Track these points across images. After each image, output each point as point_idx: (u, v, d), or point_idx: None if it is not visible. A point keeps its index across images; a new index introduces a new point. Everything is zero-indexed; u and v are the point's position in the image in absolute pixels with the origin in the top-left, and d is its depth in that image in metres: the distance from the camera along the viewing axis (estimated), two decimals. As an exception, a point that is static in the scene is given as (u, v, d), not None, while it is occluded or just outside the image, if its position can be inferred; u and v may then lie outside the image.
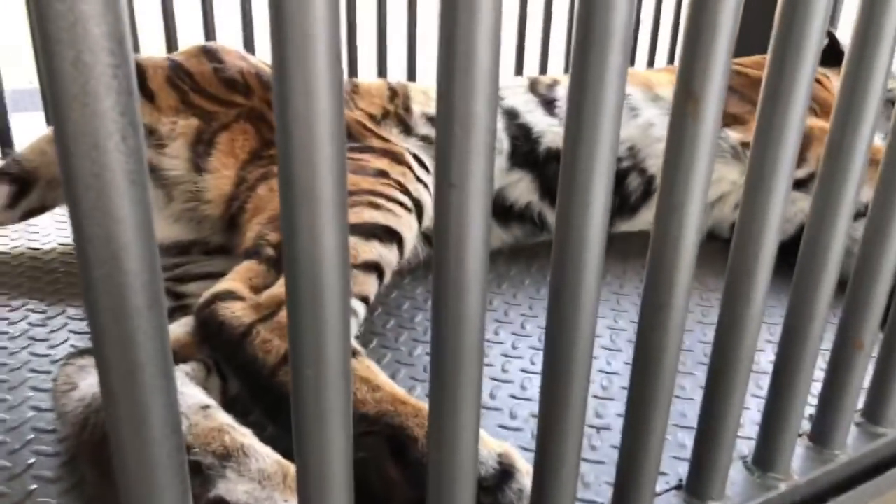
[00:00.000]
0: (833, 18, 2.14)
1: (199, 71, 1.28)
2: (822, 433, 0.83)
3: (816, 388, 0.82)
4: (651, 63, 2.26)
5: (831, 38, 1.81)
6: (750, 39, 2.27)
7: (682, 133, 0.57)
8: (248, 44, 1.89)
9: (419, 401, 0.76)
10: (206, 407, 0.72)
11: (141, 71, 1.24)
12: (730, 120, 1.56)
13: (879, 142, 1.60)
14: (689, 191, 0.59)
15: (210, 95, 1.26)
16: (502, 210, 1.44)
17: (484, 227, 0.49)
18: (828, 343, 0.80)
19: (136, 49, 1.74)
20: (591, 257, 0.56)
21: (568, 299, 0.57)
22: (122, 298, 0.38)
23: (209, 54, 1.32)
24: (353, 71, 2.02)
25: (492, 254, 1.45)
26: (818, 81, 1.68)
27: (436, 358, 0.52)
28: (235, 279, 0.92)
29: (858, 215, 1.05)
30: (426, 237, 1.29)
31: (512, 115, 1.46)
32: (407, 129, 1.39)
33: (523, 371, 1.01)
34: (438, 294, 0.51)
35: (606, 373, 1.02)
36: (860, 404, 0.87)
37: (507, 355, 1.05)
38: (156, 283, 0.39)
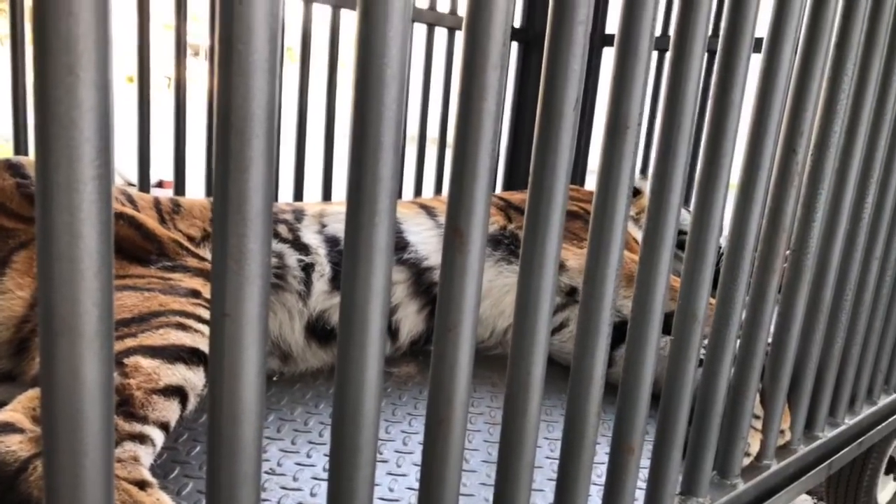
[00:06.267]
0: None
1: (0, 186, 1.22)
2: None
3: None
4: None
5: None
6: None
7: (452, 263, 0.64)
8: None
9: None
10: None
11: (-72, 184, 1.16)
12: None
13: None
14: (462, 313, 0.65)
15: (9, 212, 1.19)
16: (324, 332, 1.46)
17: (258, 357, 0.51)
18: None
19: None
20: (371, 380, 0.60)
21: (350, 424, 0.60)
22: None
23: (13, 169, 1.26)
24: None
25: (312, 373, 1.45)
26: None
27: (210, 488, 0.52)
28: (16, 409, 0.85)
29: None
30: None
31: (334, 241, 1.51)
32: None
33: (314, 478, 1.03)
34: (213, 427, 0.51)
35: (387, 500, 0.99)
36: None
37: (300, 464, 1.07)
38: None
